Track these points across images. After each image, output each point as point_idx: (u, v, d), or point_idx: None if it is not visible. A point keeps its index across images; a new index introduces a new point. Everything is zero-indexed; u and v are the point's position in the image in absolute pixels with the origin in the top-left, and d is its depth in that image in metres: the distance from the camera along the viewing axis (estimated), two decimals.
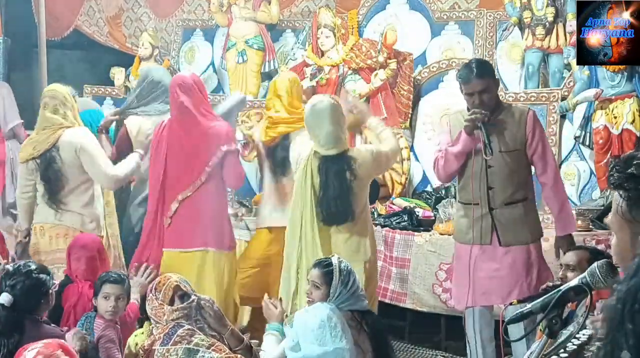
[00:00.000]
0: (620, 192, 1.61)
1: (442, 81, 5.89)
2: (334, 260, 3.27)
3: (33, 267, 3.22)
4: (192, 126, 4.10)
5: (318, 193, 3.83)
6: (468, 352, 3.92)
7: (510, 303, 3.03)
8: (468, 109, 3.82)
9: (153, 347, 2.93)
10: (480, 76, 3.74)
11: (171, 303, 3.10)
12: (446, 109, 5.80)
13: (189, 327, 3.00)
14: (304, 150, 3.99)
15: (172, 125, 4.17)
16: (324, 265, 3.27)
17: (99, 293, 3.49)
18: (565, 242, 3.80)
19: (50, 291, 3.23)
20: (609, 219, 1.68)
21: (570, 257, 3.34)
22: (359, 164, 3.82)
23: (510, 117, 3.80)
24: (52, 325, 3.27)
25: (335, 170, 3.80)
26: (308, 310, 3.20)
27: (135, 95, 4.64)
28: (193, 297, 3.14)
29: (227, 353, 2.94)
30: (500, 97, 5.39)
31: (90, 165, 4.22)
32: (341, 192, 3.79)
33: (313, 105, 3.91)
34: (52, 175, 4.22)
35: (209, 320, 3.10)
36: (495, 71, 5.69)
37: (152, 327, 3.10)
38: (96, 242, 3.99)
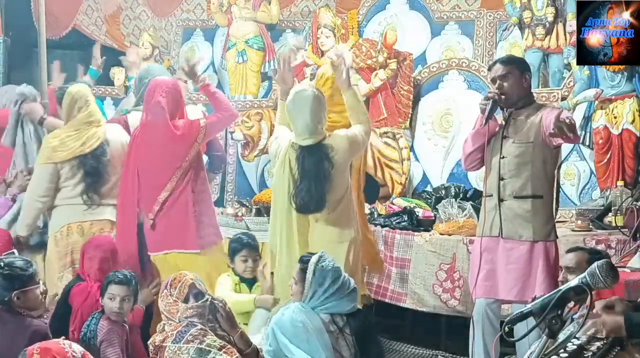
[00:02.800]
0: None
1: (442, 81, 5.89)
2: (313, 258, 3.24)
3: (3, 263, 3.19)
4: (164, 127, 4.08)
5: (296, 184, 3.84)
6: (470, 345, 3.90)
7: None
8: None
9: (164, 344, 2.93)
10: (503, 62, 3.82)
11: (186, 301, 3.11)
12: (446, 108, 5.81)
13: (202, 327, 3.00)
14: (282, 143, 3.97)
15: (143, 128, 4.16)
16: (303, 262, 3.27)
17: (104, 293, 3.48)
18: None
19: (26, 290, 3.16)
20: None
21: (569, 259, 3.33)
22: (335, 151, 3.82)
23: (533, 113, 3.81)
24: (39, 319, 3.23)
25: (313, 161, 3.81)
26: (284, 313, 3.19)
27: (139, 94, 4.62)
28: (207, 296, 3.15)
29: (237, 356, 2.94)
30: None
31: None
32: (317, 182, 3.80)
33: (296, 92, 3.91)
34: (102, 169, 4.29)
35: (221, 321, 3.10)
36: None
37: (164, 324, 3.09)
38: (111, 243, 4.01)
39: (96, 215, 4.30)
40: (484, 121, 3.75)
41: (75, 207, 4.28)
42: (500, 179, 3.78)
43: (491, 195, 3.82)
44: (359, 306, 3.41)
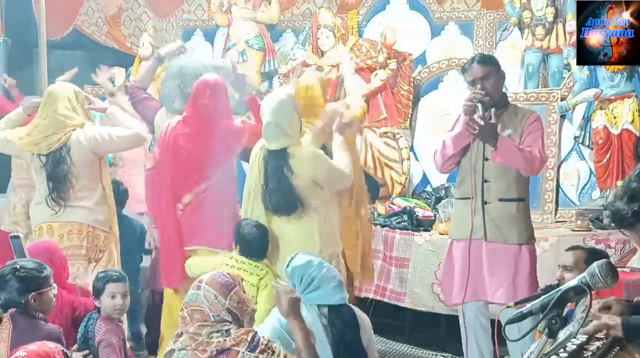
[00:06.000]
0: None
1: (442, 81, 5.90)
2: (290, 257, 3.22)
3: (19, 265, 3.18)
4: (209, 126, 4.06)
5: (262, 186, 3.83)
6: (464, 349, 3.91)
7: (507, 306, 3.02)
8: None
9: (235, 347, 2.80)
10: (481, 62, 3.75)
11: None
12: (446, 109, 5.81)
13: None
14: (255, 151, 3.95)
15: (184, 125, 4.11)
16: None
17: (101, 293, 3.47)
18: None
19: (42, 292, 3.15)
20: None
21: (567, 258, 3.33)
22: (296, 160, 3.76)
23: (513, 116, 3.78)
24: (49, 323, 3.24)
25: (274, 165, 3.78)
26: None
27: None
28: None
29: None
30: None
31: (111, 147, 4.35)
32: (281, 185, 3.76)
33: (270, 95, 3.94)
34: (61, 175, 4.21)
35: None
36: None
37: (229, 327, 2.87)
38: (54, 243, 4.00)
39: (65, 216, 4.24)
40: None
41: (45, 208, 4.26)
42: (485, 181, 3.74)
43: (470, 198, 3.74)
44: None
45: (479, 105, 3.63)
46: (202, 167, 4.07)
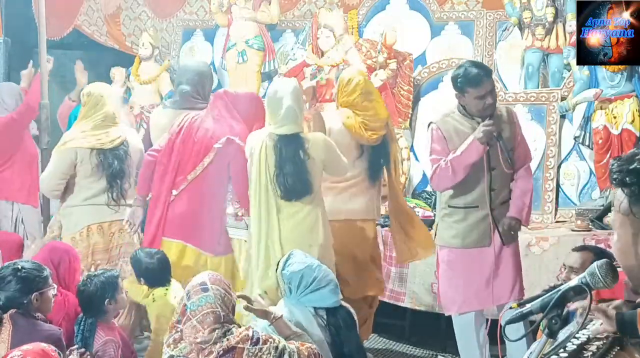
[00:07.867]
0: (623, 189, 1.63)
1: (442, 81, 5.90)
2: (284, 258, 3.30)
3: (20, 265, 3.19)
4: (219, 124, 4.14)
5: (273, 172, 3.81)
6: (463, 351, 3.92)
7: (510, 307, 3.02)
8: (460, 110, 3.81)
9: (240, 345, 2.81)
10: (489, 75, 3.77)
11: None
12: (446, 109, 5.81)
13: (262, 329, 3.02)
14: (255, 143, 3.94)
15: (201, 119, 4.19)
16: (277, 263, 3.33)
17: (117, 292, 3.48)
18: (515, 222, 3.79)
19: (43, 292, 3.17)
20: (610, 218, 1.69)
21: (574, 259, 3.32)
22: (310, 144, 3.81)
23: (500, 118, 3.81)
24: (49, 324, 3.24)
25: (290, 148, 3.80)
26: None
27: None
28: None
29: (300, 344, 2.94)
30: (500, 97, 5.45)
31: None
32: (296, 168, 3.77)
33: (278, 83, 4.05)
34: (126, 170, 4.34)
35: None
36: (495, 71, 5.73)
37: (231, 327, 2.92)
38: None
39: (116, 215, 4.32)
40: (505, 164, 3.72)
41: (97, 208, 4.29)
42: (492, 190, 3.78)
43: (476, 207, 3.79)
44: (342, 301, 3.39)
45: (497, 137, 3.68)
46: (197, 155, 4.10)
